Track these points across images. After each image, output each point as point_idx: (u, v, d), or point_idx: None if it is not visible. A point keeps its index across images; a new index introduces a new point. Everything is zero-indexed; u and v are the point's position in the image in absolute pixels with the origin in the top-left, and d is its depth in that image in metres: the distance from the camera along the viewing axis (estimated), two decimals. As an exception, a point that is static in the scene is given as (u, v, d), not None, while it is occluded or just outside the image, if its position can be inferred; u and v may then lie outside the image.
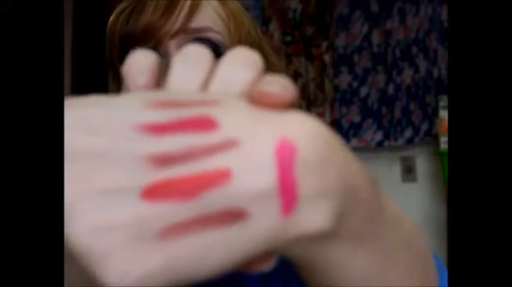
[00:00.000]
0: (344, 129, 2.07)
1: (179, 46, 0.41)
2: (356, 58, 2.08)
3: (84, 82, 1.70)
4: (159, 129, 0.17)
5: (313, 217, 0.18)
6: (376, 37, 2.06)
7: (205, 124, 0.18)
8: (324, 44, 2.09)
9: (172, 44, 0.42)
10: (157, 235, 0.16)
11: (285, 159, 0.18)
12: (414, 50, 2.04)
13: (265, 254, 0.20)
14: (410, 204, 1.96)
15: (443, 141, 1.88)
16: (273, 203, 0.17)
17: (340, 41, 2.09)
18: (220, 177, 0.17)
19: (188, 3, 0.43)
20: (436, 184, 2.03)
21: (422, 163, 2.07)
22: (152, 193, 0.17)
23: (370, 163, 2.02)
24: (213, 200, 0.17)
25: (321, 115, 2.06)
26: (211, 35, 0.43)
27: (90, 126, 0.17)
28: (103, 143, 0.17)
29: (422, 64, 2.03)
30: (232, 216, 0.17)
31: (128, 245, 0.16)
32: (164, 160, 0.17)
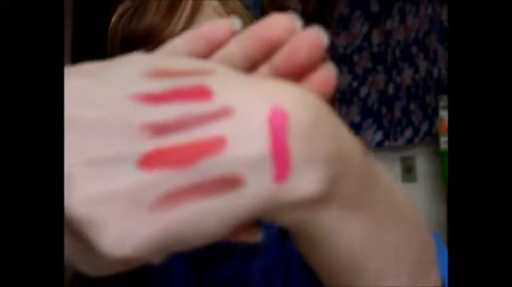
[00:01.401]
0: (344, 130, 2.07)
1: None
2: (356, 58, 2.08)
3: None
4: (155, 98, 0.18)
5: (306, 182, 0.19)
6: (376, 37, 2.06)
7: (201, 93, 0.18)
8: (324, 44, 2.09)
9: None
10: (154, 203, 0.17)
11: (278, 126, 0.18)
12: (414, 50, 2.03)
13: (254, 227, 0.20)
14: (410, 204, 1.96)
15: (443, 141, 1.88)
16: (266, 170, 0.18)
17: (340, 41, 2.09)
18: (216, 145, 0.17)
19: (190, 4, 0.43)
20: (436, 184, 2.03)
21: (422, 163, 2.07)
22: (149, 161, 0.17)
23: (370, 163, 2.02)
24: (209, 167, 0.17)
25: (321, 115, 2.06)
26: None
27: (86, 97, 0.18)
28: (99, 113, 0.17)
29: (422, 64, 2.03)
30: (227, 183, 0.17)
31: (125, 214, 0.16)
32: (160, 129, 0.17)
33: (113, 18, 0.46)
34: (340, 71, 2.09)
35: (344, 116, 2.09)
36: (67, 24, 1.87)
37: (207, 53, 0.23)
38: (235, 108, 0.18)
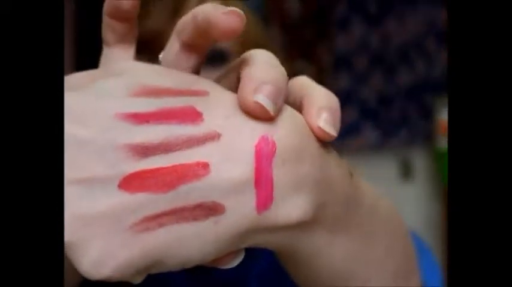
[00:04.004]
0: (342, 130, 2.08)
1: None
2: (355, 59, 2.08)
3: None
4: (141, 118, 0.17)
5: (290, 209, 0.19)
6: (375, 39, 2.07)
7: (189, 115, 0.18)
8: (324, 45, 2.09)
9: None
10: (134, 226, 0.17)
11: (263, 154, 0.18)
12: (412, 51, 2.04)
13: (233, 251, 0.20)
14: (408, 204, 1.96)
15: (441, 142, 1.89)
16: (248, 197, 0.18)
17: (340, 42, 2.09)
18: (198, 170, 0.17)
19: (193, 5, 0.43)
20: (433, 184, 2.03)
21: (420, 163, 2.07)
22: (130, 183, 0.17)
23: (369, 163, 2.02)
24: (190, 192, 0.17)
25: (319, 116, 2.06)
26: None
27: (73, 114, 0.17)
28: (85, 132, 0.17)
29: (421, 65, 2.04)
30: (207, 209, 0.17)
31: (105, 235, 0.16)
32: (144, 150, 0.17)
33: None
34: (340, 72, 2.09)
35: (342, 116, 2.09)
36: (68, 26, 1.87)
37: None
38: (222, 133, 0.18)
